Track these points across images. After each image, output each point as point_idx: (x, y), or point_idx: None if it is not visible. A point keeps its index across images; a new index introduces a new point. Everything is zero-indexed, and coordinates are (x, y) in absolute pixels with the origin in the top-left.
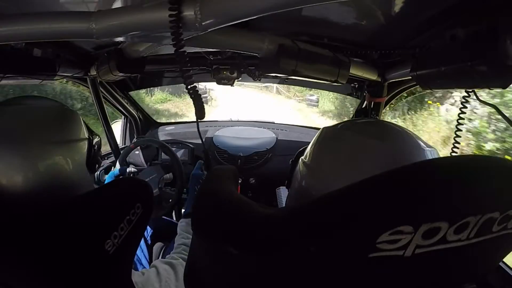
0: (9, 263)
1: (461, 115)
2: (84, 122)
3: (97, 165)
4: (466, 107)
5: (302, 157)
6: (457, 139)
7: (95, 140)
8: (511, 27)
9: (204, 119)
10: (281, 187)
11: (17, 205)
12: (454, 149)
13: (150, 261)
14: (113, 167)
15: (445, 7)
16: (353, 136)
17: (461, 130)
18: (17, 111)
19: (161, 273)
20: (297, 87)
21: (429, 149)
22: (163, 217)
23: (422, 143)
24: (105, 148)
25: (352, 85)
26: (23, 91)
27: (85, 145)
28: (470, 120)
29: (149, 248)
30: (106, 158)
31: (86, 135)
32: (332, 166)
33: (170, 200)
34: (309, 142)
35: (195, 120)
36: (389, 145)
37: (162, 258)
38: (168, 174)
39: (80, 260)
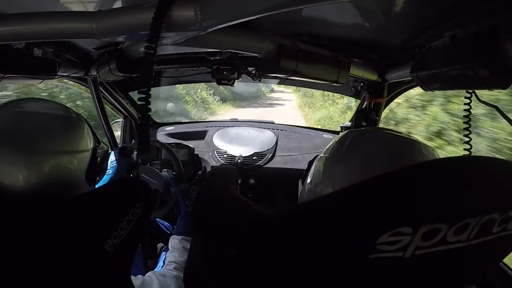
0: (9, 263)
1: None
2: (91, 130)
3: (98, 178)
4: (470, 107)
5: (322, 154)
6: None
7: (100, 151)
8: (511, 28)
9: (204, 119)
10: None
11: (16, 206)
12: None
13: (144, 263)
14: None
15: (445, 8)
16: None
17: (470, 132)
18: (24, 115)
19: (159, 280)
20: None
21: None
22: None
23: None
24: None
25: (352, 85)
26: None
27: (87, 157)
28: None
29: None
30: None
31: (90, 146)
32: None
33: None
34: (309, 143)
35: (195, 120)
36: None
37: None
38: (168, 174)
39: (80, 260)
